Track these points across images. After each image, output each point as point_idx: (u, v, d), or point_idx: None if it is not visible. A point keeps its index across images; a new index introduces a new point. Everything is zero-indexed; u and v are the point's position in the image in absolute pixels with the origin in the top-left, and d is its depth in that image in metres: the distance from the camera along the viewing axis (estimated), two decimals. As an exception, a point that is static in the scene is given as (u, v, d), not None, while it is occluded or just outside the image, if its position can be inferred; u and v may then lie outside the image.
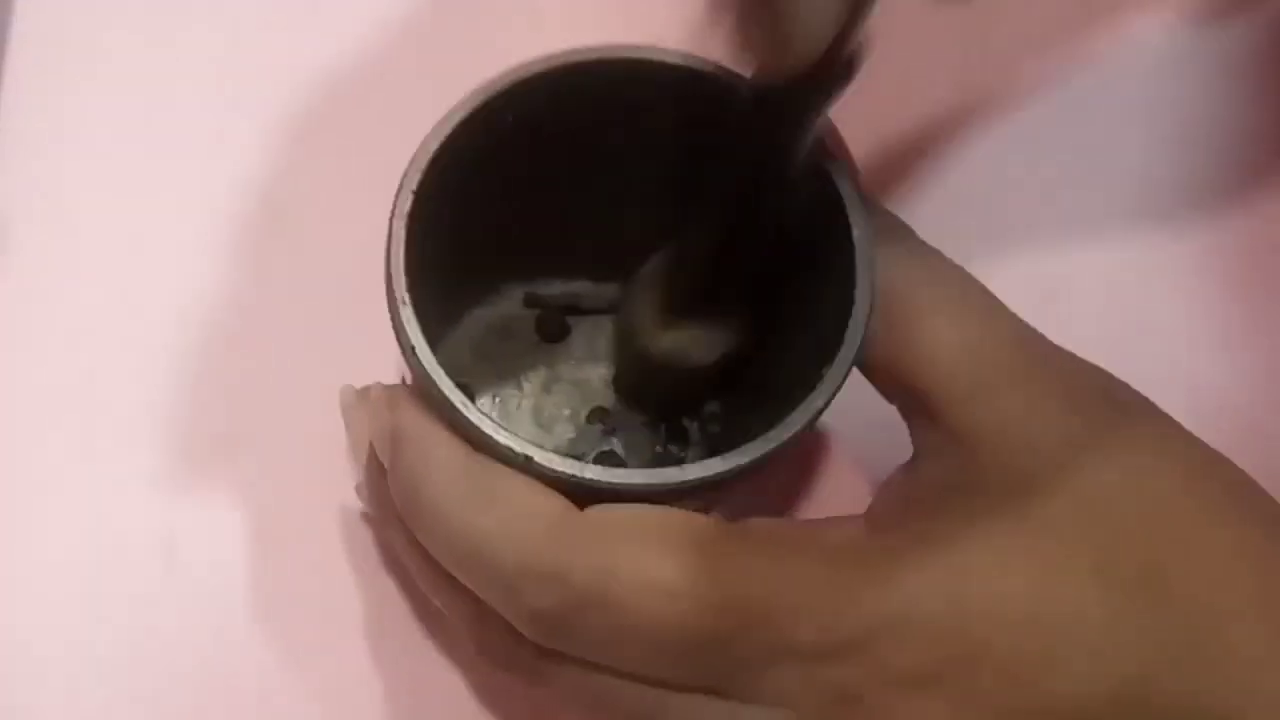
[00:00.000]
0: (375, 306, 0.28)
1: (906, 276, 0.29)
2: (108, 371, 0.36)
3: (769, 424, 0.27)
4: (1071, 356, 0.29)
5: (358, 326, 0.31)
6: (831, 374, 0.27)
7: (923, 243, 0.30)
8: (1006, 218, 0.39)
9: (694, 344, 0.31)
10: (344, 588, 0.35)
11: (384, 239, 0.28)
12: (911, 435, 0.29)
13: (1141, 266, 0.39)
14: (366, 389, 0.31)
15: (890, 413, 0.30)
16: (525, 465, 0.27)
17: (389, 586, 0.35)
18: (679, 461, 0.33)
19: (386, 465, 0.29)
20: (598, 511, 0.27)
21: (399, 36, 0.40)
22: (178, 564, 0.35)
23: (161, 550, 0.35)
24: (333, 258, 0.37)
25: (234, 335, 0.37)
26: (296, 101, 0.39)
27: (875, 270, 0.28)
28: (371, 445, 0.30)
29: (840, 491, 0.37)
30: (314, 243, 0.38)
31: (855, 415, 0.30)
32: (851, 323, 0.28)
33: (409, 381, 0.30)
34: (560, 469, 0.26)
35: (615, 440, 0.35)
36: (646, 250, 0.33)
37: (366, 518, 0.35)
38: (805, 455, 0.38)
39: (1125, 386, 0.29)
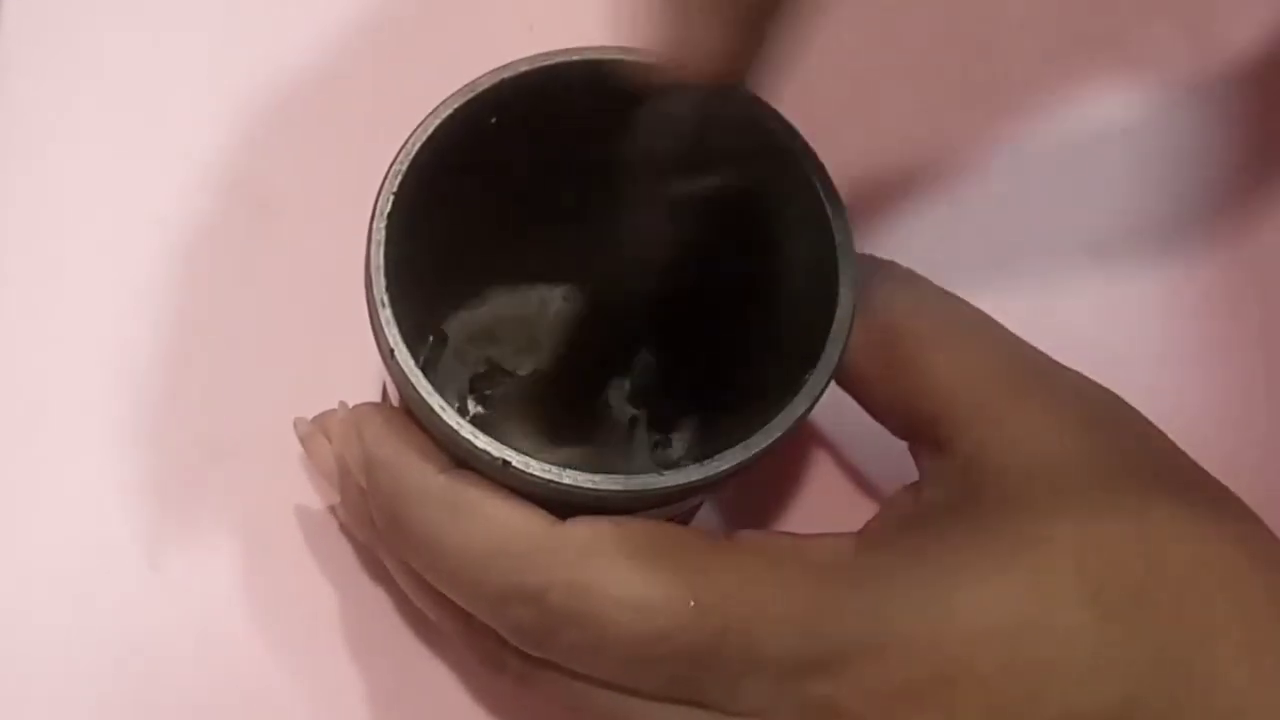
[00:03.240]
0: (359, 310, 0.28)
1: (904, 308, 0.29)
2: (90, 377, 0.36)
3: (752, 429, 0.27)
4: (1074, 375, 0.29)
5: (342, 330, 0.30)
6: (814, 379, 0.27)
7: (912, 272, 0.30)
8: (985, 252, 0.39)
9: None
10: (330, 592, 0.35)
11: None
12: (917, 464, 0.30)
13: (1119, 300, 0.39)
14: (321, 416, 0.31)
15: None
16: (503, 470, 0.26)
17: (374, 590, 0.35)
18: (666, 465, 0.33)
19: (364, 487, 0.29)
20: (575, 527, 0.27)
21: (390, 37, 0.40)
22: (161, 570, 0.35)
23: (144, 557, 0.35)
24: (320, 261, 0.37)
25: (219, 339, 0.37)
26: (285, 103, 0.39)
27: (857, 274, 0.28)
28: (349, 467, 0.30)
29: (836, 498, 0.37)
30: (300, 246, 0.38)
31: (851, 420, 0.30)
32: (835, 326, 0.28)
33: (389, 386, 0.29)
34: (538, 474, 0.26)
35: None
36: (634, 254, 0.33)
37: (346, 530, 0.35)
38: (799, 460, 0.37)
39: (1123, 403, 0.29)
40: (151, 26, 0.40)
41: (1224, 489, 0.28)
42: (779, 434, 0.27)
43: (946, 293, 0.30)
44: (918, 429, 0.29)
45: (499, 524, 0.27)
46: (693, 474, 0.26)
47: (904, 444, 0.30)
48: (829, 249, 0.28)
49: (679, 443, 0.35)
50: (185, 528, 0.35)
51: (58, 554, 0.35)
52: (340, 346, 0.33)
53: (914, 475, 0.30)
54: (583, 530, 0.27)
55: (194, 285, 0.37)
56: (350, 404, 0.31)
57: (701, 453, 0.33)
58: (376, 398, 0.34)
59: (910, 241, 0.38)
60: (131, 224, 0.38)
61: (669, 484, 0.26)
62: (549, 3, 0.40)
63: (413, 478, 0.28)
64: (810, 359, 0.28)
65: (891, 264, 0.30)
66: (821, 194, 0.28)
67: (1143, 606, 0.26)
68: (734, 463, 0.27)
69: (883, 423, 0.30)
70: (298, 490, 0.35)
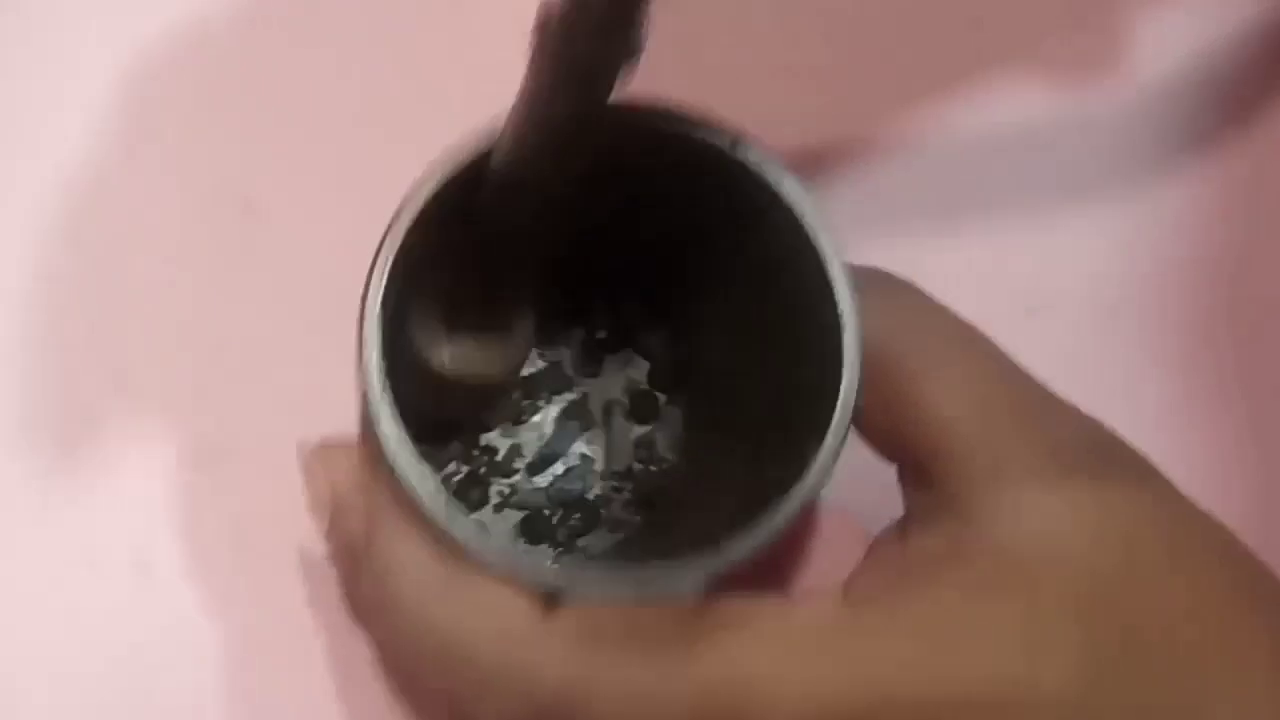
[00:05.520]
0: (351, 312, 0.28)
1: (896, 333, 0.28)
2: (82, 381, 0.36)
3: (740, 461, 0.28)
4: (1070, 409, 0.29)
5: (336, 332, 0.30)
6: (821, 461, 0.27)
7: (906, 285, 0.29)
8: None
9: (479, 359, 0.30)
10: (323, 596, 0.35)
11: (368, 254, 0.28)
12: (904, 497, 0.29)
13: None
14: (324, 450, 0.31)
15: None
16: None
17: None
18: (657, 461, 0.34)
19: (361, 545, 0.29)
20: (565, 619, 0.27)
21: (380, 39, 0.39)
22: (152, 575, 0.35)
23: (136, 562, 0.35)
24: (311, 267, 0.36)
25: (212, 342, 0.37)
26: (275, 104, 0.38)
27: (862, 347, 0.28)
28: (345, 509, 0.30)
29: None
30: (292, 250, 0.37)
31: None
32: (839, 408, 0.27)
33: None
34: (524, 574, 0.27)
35: (592, 444, 0.35)
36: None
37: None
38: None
39: (1119, 441, 0.29)
40: (131, 22, 0.39)
41: (1221, 528, 0.28)
42: (763, 539, 0.27)
43: (938, 306, 0.29)
44: (905, 459, 0.29)
45: (493, 609, 0.27)
46: (680, 580, 0.27)
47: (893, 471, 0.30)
48: (830, 304, 0.28)
49: (662, 438, 0.35)
50: (177, 532, 0.35)
51: (47, 561, 0.35)
52: (334, 348, 0.33)
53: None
54: (572, 622, 0.27)
55: (187, 289, 0.37)
56: (342, 405, 0.30)
57: (687, 445, 0.34)
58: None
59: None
60: (123, 225, 0.37)
61: (654, 592, 0.27)
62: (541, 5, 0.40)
63: (411, 549, 0.27)
64: (807, 410, 0.28)
65: (882, 273, 0.30)
66: (825, 260, 0.28)
67: (1135, 664, 0.26)
68: (739, 556, 0.27)
69: (868, 442, 0.29)
70: (291, 495, 0.35)
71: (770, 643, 0.26)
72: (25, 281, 0.37)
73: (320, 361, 0.35)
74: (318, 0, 0.39)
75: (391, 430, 0.27)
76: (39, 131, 0.38)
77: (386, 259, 0.27)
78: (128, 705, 0.34)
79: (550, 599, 0.27)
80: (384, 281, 0.27)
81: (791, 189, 0.28)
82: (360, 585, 0.29)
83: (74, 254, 0.37)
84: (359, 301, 0.28)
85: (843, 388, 0.27)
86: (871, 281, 0.29)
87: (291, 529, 0.35)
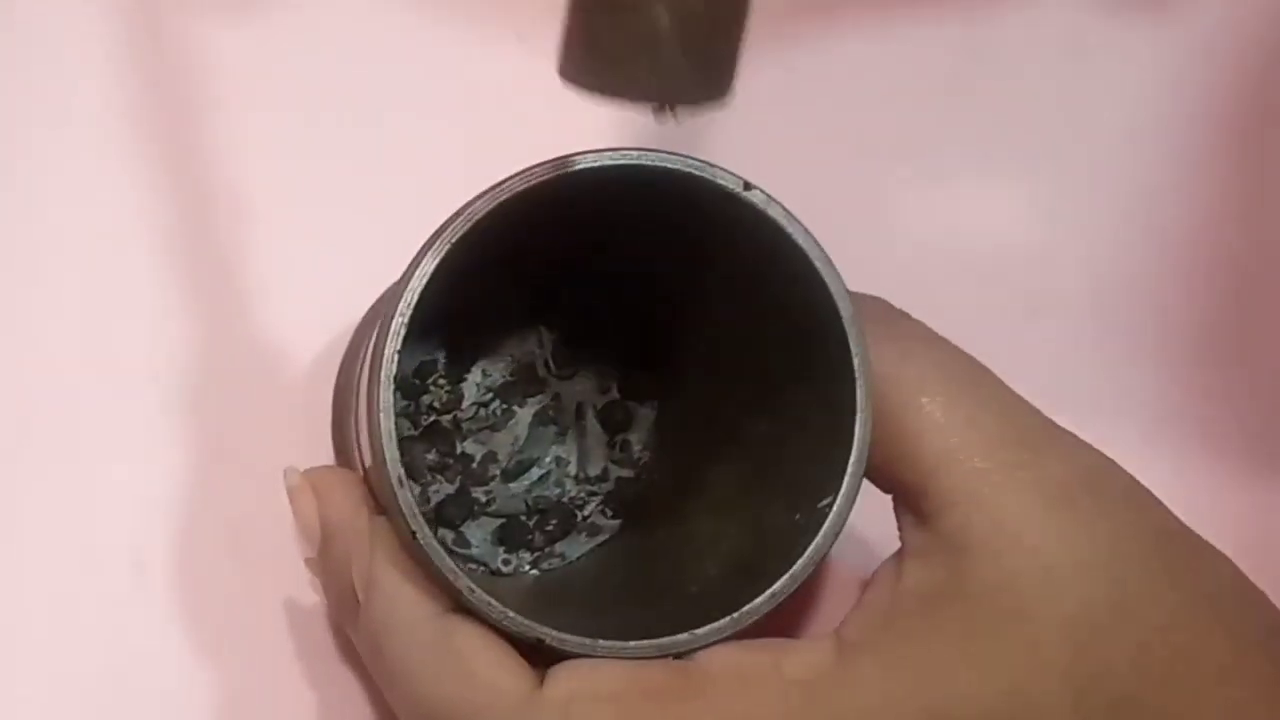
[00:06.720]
0: (344, 312, 0.27)
1: (895, 366, 0.28)
2: (78, 388, 0.36)
3: (736, 485, 0.28)
4: (1069, 441, 0.28)
5: (328, 331, 0.30)
6: (829, 525, 0.27)
7: (905, 317, 0.29)
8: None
9: None
10: (319, 598, 0.35)
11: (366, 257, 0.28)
12: (900, 530, 0.29)
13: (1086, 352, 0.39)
14: (314, 474, 0.31)
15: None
16: (537, 645, 0.27)
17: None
18: (633, 464, 0.35)
19: (359, 596, 0.29)
20: (556, 689, 0.27)
21: (375, 43, 0.39)
22: (148, 577, 0.35)
23: (134, 566, 0.35)
24: (301, 264, 0.37)
25: (207, 345, 0.37)
26: (267, 108, 0.38)
27: (872, 402, 0.28)
28: (334, 533, 0.30)
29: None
30: (283, 251, 0.37)
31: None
32: (852, 465, 0.27)
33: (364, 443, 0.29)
34: (574, 650, 0.27)
35: (566, 446, 0.35)
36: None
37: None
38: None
39: (1118, 471, 0.28)
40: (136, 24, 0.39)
41: (1221, 558, 0.28)
42: (761, 614, 0.27)
43: (937, 338, 0.29)
44: (901, 494, 0.28)
45: (486, 678, 0.27)
46: (681, 644, 0.27)
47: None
48: (844, 356, 0.28)
49: (636, 440, 0.35)
50: (175, 533, 0.35)
51: (46, 560, 0.35)
52: (327, 349, 0.33)
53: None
54: (564, 690, 0.26)
55: (182, 291, 0.37)
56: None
57: (663, 451, 0.35)
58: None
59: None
60: (119, 229, 0.37)
61: (697, 645, 0.27)
62: (538, 11, 0.40)
63: (410, 611, 0.27)
64: (804, 381, 0.28)
65: (881, 303, 0.30)
66: (842, 316, 0.28)
67: (1127, 710, 0.26)
68: (727, 633, 0.27)
69: (866, 476, 0.29)
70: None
71: (763, 701, 0.26)
72: (25, 290, 0.37)
73: (321, 363, 0.35)
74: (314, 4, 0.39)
75: (423, 531, 0.27)
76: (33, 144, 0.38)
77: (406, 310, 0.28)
78: (125, 703, 0.34)
79: (543, 651, 0.27)
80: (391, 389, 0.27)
81: (798, 231, 0.28)
82: (357, 629, 0.29)
83: (74, 260, 0.37)
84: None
85: (855, 447, 0.27)
86: (870, 312, 0.28)
87: (289, 530, 0.35)
